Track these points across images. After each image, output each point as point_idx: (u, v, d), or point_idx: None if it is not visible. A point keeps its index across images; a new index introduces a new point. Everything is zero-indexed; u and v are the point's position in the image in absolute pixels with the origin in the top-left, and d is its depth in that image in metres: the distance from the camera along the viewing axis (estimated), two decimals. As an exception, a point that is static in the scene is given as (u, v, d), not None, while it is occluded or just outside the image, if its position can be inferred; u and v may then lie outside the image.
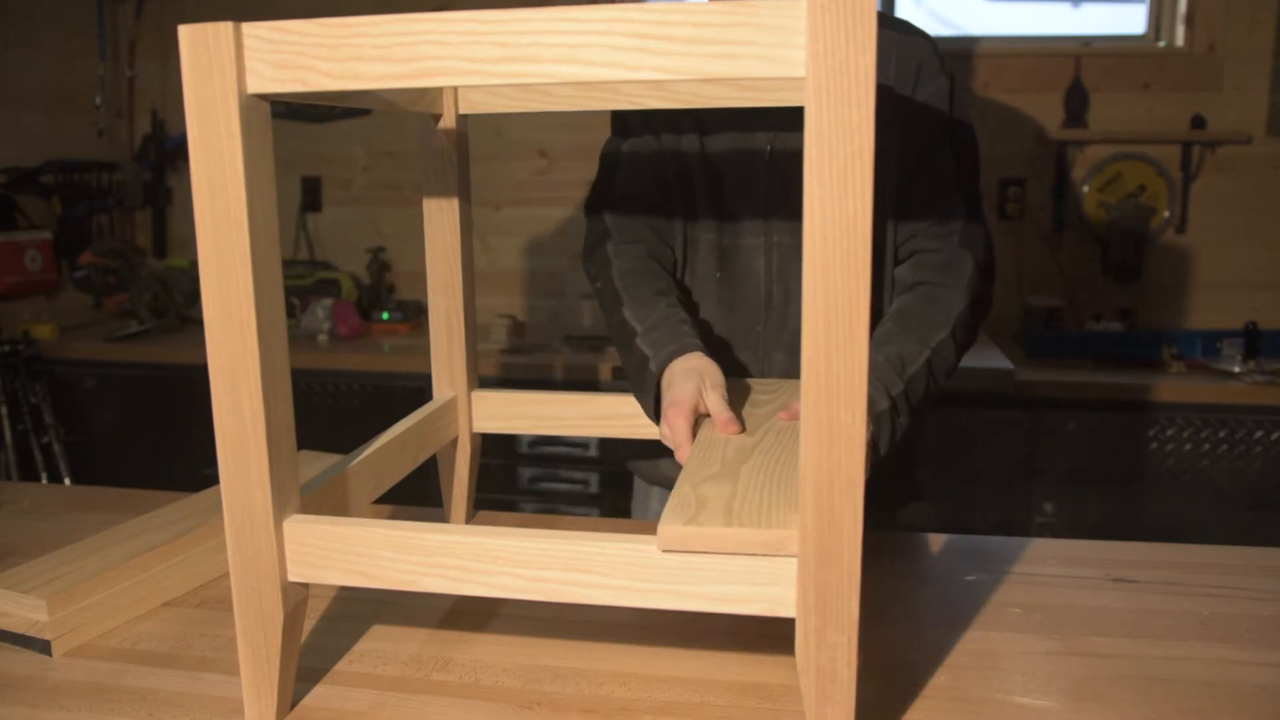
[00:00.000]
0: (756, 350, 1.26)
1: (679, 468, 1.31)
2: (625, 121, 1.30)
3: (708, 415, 1.00)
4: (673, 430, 0.99)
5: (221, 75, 0.68)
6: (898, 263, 1.23)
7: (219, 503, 0.77)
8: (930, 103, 1.21)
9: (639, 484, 1.48)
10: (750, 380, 1.13)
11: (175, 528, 1.07)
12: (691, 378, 1.02)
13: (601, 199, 1.29)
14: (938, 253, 1.18)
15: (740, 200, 1.24)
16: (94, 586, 0.95)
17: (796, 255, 1.21)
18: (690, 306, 1.27)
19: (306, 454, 1.25)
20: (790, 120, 1.20)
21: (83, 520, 1.23)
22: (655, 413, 1.08)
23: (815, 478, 0.66)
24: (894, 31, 1.26)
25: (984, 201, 1.25)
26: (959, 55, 2.84)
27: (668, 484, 1.39)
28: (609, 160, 1.30)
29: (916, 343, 1.11)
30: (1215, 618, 0.95)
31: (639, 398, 1.12)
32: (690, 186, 1.26)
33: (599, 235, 1.27)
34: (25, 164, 2.92)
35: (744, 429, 0.96)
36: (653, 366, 1.08)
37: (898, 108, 1.19)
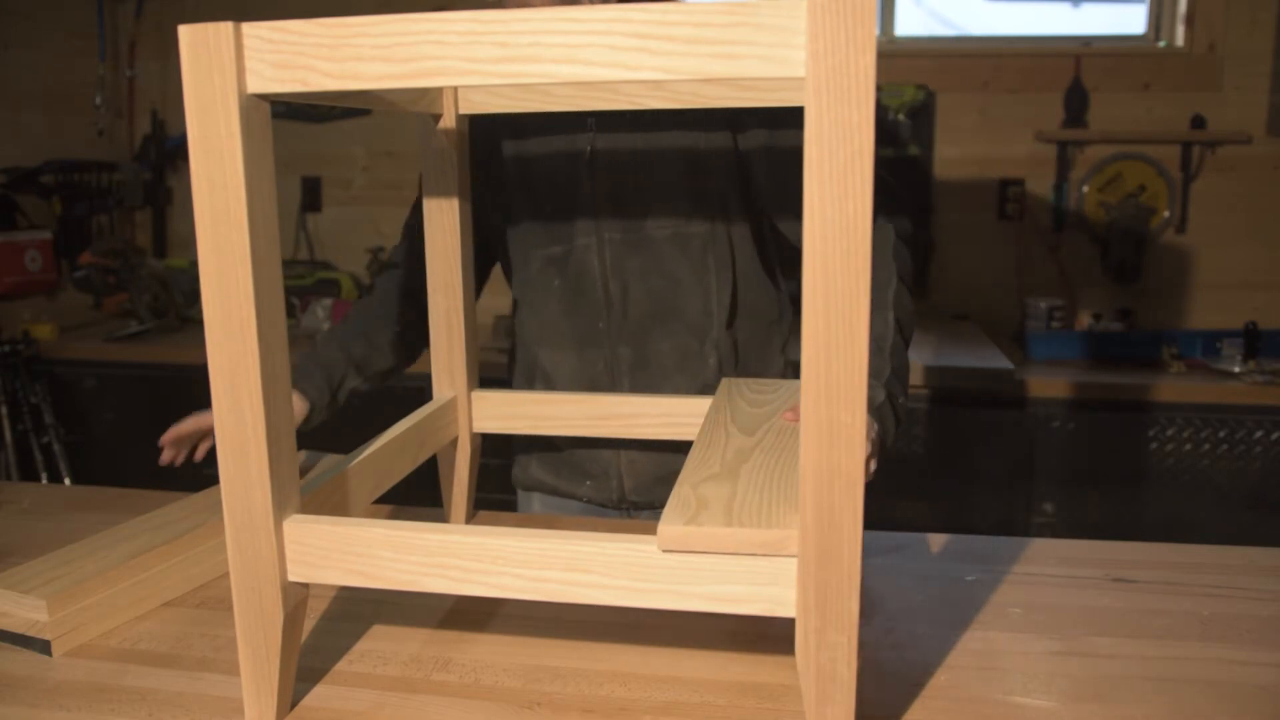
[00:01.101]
0: (602, 347, 1.28)
1: (549, 471, 1.36)
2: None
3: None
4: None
5: (221, 75, 0.68)
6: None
7: (219, 503, 0.77)
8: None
9: (521, 495, 1.46)
10: (750, 380, 1.13)
11: (175, 528, 1.07)
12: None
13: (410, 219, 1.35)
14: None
15: (567, 205, 1.25)
16: (94, 586, 0.95)
17: (629, 251, 1.25)
18: (524, 321, 1.35)
19: (306, 453, 1.25)
20: (610, 120, 1.22)
21: (83, 520, 1.23)
22: None
23: (815, 478, 0.66)
24: None
25: (941, 197, 1.22)
26: (959, 55, 2.84)
27: (542, 488, 1.39)
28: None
29: (879, 313, 1.08)
30: (1215, 618, 0.95)
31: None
32: (512, 209, 1.29)
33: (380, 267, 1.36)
34: (25, 164, 2.92)
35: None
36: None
37: (762, 111, 1.16)
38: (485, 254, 1.34)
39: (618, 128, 1.22)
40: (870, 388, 1.06)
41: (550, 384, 1.32)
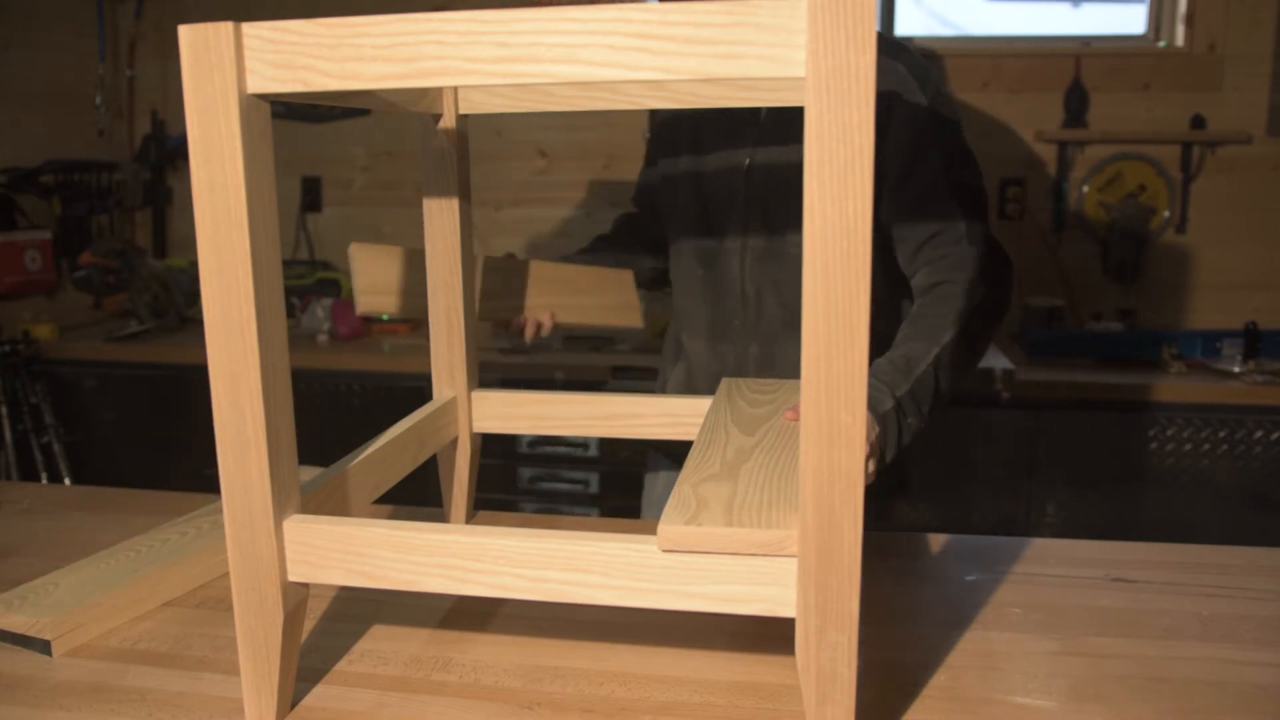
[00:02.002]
0: (735, 343, 1.39)
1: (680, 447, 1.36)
2: (652, 146, 1.52)
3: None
4: None
5: (221, 75, 0.68)
6: (911, 276, 1.28)
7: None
8: (903, 124, 1.26)
9: (647, 477, 1.59)
10: (750, 380, 1.13)
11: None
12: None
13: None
14: (946, 257, 1.22)
15: (721, 211, 1.37)
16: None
17: (768, 260, 1.35)
18: (676, 298, 1.50)
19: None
20: (769, 135, 1.33)
21: (83, 520, 1.24)
22: None
23: (815, 478, 0.66)
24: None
25: (986, 201, 1.28)
26: (959, 55, 2.84)
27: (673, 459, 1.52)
28: (640, 186, 1.58)
29: (924, 342, 1.15)
30: (1215, 618, 0.95)
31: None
32: (676, 201, 1.43)
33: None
34: (25, 164, 2.92)
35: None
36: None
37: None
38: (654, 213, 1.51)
39: (776, 140, 1.33)
40: (878, 391, 1.08)
41: (690, 366, 1.47)
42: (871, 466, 1.01)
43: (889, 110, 1.25)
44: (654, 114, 1.49)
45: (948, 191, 1.24)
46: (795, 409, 0.99)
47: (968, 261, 1.21)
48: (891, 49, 1.29)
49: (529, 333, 1.30)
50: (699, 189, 1.39)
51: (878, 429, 1.02)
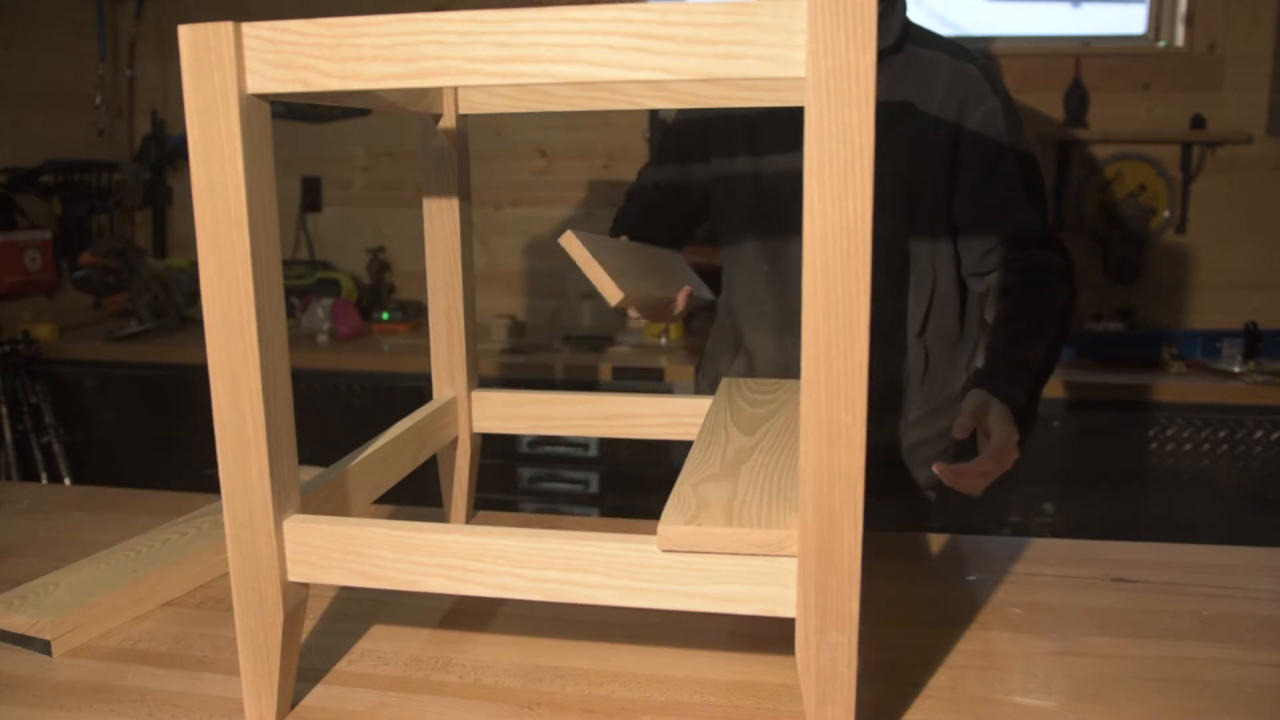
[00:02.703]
0: (799, 335, 1.37)
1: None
2: (677, 145, 1.49)
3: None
4: None
5: (221, 75, 0.68)
6: (981, 274, 1.33)
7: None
8: (981, 124, 1.30)
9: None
10: (750, 380, 1.13)
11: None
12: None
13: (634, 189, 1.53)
14: (1028, 257, 1.27)
15: (788, 208, 1.36)
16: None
17: None
18: (725, 290, 1.51)
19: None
20: None
21: (83, 520, 1.23)
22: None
23: (815, 478, 0.66)
24: (945, 55, 1.32)
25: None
26: (959, 55, 2.84)
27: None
28: (636, 189, 1.53)
29: (1032, 340, 1.20)
30: (1215, 618, 0.95)
31: None
32: (735, 200, 1.43)
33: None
34: (25, 164, 2.92)
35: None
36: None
37: (948, 129, 1.26)
38: (687, 206, 1.51)
39: None
40: (1014, 387, 1.15)
41: (751, 360, 1.47)
42: (1012, 458, 1.09)
43: (963, 112, 1.29)
44: (681, 114, 1.49)
45: (1024, 193, 1.28)
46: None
47: (1054, 260, 1.25)
48: (959, 52, 1.33)
49: (682, 305, 1.25)
50: (759, 188, 1.40)
51: (1016, 433, 1.10)
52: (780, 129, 1.38)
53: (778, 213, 1.40)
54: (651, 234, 1.49)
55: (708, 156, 1.47)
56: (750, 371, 1.50)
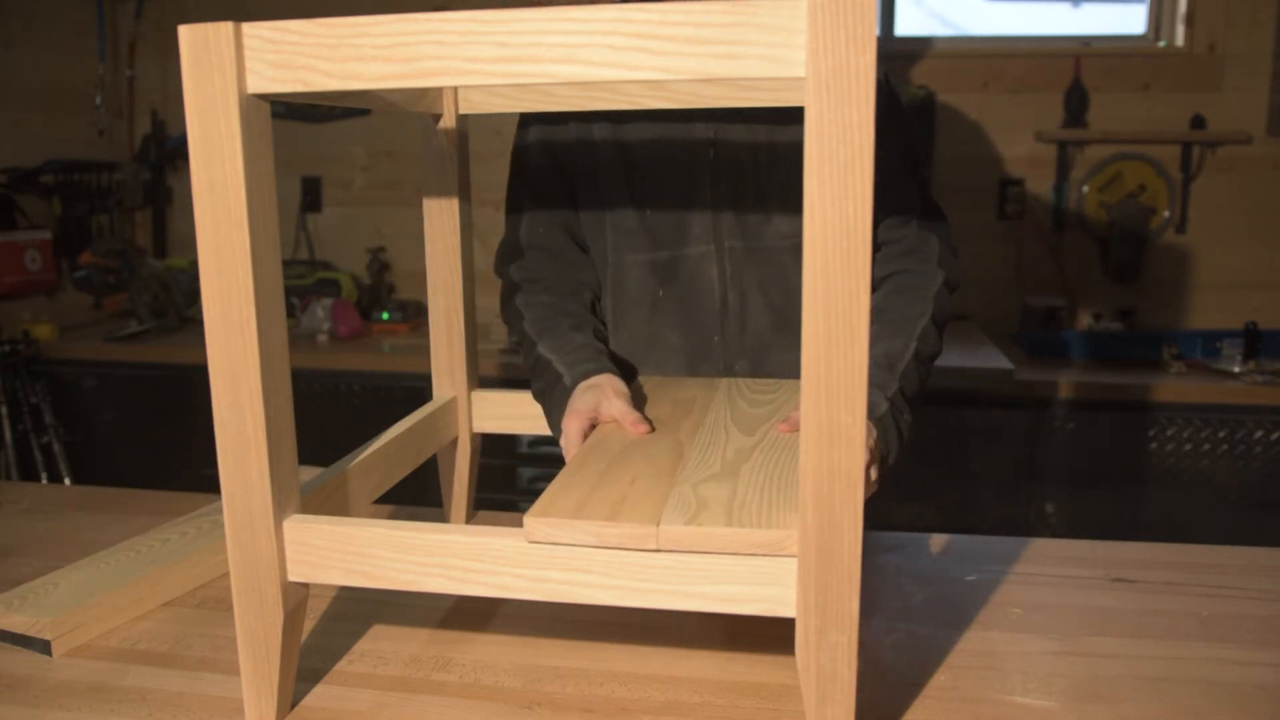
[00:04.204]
0: (717, 362, 1.19)
1: None
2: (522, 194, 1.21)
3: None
4: (565, 435, 0.98)
5: (221, 75, 0.68)
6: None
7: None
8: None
9: None
10: (750, 380, 1.13)
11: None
12: (591, 391, 1.01)
13: (516, 201, 1.22)
14: (901, 240, 1.15)
15: (680, 206, 1.15)
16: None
17: (749, 259, 1.16)
18: (613, 334, 1.22)
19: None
20: (734, 110, 1.10)
21: (83, 520, 1.24)
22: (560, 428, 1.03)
23: (815, 478, 0.66)
24: None
25: (942, 197, 1.21)
26: (959, 55, 2.84)
27: None
28: (519, 155, 1.21)
29: (901, 336, 1.09)
30: (1215, 618, 0.95)
31: (550, 415, 1.09)
32: (597, 199, 1.17)
33: (510, 289, 1.20)
34: (25, 164, 2.92)
35: (653, 429, 0.95)
36: (566, 382, 1.05)
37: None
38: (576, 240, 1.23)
39: (742, 118, 1.13)
40: (872, 394, 1.04)
41: None
42: (874, 474, 0.94)
43: None
44: (524, 149, 1.21)
45: (906, 176, 1.15)
46: (789, 421, 0.94)
47: (929, 244, 1.14)
48: None
49: (634, 425, 0.99)
50: (633, 185, 1.16)
51: (875, 433, 0.97)
52: (646, 128, 1.15)
53: (668, 222, 1.17)
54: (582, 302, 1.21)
55: (572, 189, 1.20)
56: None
